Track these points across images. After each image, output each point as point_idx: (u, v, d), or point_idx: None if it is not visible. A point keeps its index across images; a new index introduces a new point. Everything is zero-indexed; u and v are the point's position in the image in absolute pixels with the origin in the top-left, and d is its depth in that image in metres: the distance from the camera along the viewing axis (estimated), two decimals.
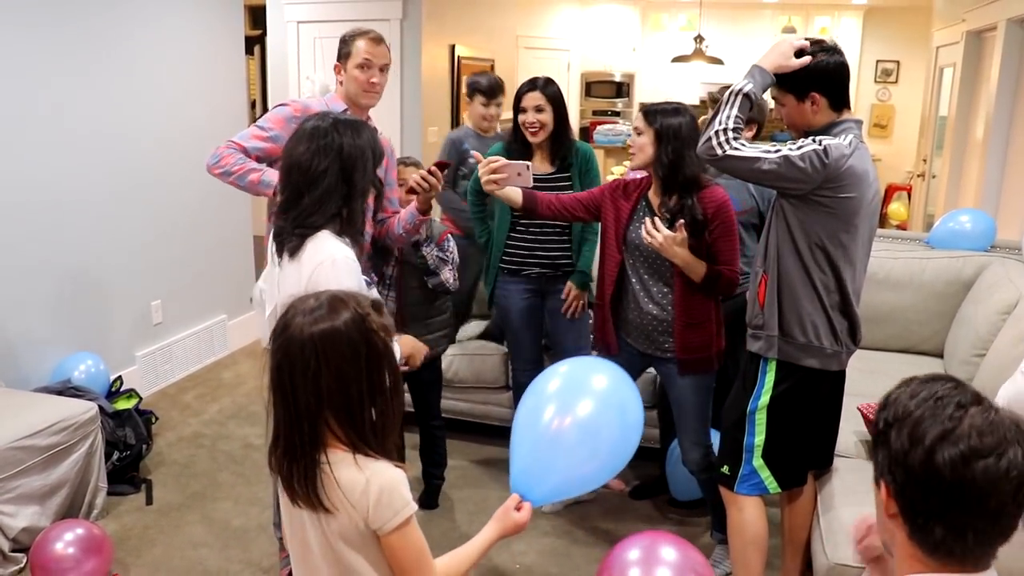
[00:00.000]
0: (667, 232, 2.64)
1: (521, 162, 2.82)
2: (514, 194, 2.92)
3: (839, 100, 2.39)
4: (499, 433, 3.75)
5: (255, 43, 7.86)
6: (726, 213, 2.73)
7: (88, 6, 4.00)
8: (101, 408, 3.42)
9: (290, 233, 2.19)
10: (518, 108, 3.22)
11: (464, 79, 7.07)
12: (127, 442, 3.58)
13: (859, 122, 2.40)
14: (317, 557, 1.55)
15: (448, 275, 3.18)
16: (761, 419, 2.51)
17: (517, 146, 3.27)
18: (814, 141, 2.28)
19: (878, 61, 11.18)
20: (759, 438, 2.52)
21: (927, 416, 1.15)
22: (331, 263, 2.12)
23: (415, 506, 1.51)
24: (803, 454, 2.62)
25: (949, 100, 7.11)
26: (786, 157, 2.26)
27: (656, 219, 2.71)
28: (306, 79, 6.15)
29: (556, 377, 1.90)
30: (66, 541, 2.80)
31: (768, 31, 11.05)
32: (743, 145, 2.31)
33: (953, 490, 1.12)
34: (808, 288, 2.40)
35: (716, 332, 2.85)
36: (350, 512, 1.47)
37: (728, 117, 2.33)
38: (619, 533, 3.23)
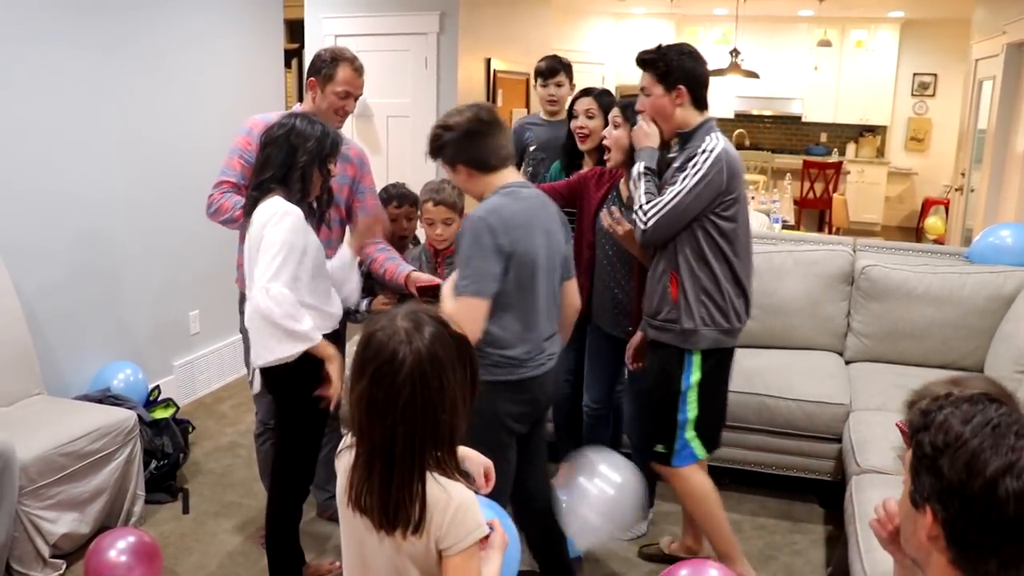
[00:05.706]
0: (628, 226, 2.77)
1: None
2: None
3: (700, 100, 2.66)
4: None
5: (293, 56, 7.96)
6: None
7: (127, 19, 4.08)
8: (139, 417, 3.46)
9: (249, 195, 2.59)
10: (571, 114, 3.34)
11: (500, 92, 7.13)
12: (164, 451, 3.63)
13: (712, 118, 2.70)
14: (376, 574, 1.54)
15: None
16: (693, 397, 2.70)
17: (566, 158, 3.46)
18: (691, 166, 2.56)
19: (915, 74, 11.06)
20: (692, 413, 2.71)
21: (987, 446, 1.10)
22: (282, 215, 2.46)
23: (487, 529, 1.49)
24: (722, 419, 2.89)
25: (988, 113, 7.01)
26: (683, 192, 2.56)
27: (615, 208, 2.87)
28: None
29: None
30: (119, 549, 2.83)
31: (804, 44, 10.99)
32: (653, 208, 2.58)
33: (1015, 525, 1.08)
34: (712, 279, 2.63)
35: None
36: (429, 530, 1.45)
37: (641, 196, 2.63)
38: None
